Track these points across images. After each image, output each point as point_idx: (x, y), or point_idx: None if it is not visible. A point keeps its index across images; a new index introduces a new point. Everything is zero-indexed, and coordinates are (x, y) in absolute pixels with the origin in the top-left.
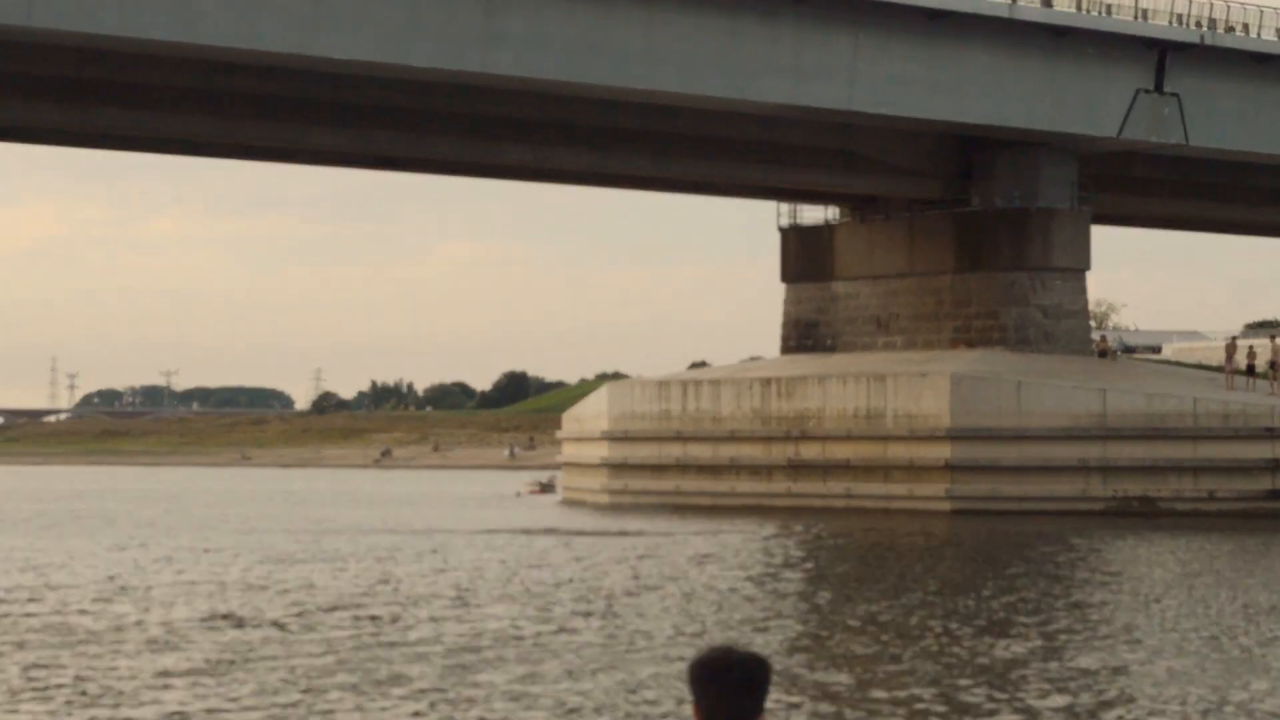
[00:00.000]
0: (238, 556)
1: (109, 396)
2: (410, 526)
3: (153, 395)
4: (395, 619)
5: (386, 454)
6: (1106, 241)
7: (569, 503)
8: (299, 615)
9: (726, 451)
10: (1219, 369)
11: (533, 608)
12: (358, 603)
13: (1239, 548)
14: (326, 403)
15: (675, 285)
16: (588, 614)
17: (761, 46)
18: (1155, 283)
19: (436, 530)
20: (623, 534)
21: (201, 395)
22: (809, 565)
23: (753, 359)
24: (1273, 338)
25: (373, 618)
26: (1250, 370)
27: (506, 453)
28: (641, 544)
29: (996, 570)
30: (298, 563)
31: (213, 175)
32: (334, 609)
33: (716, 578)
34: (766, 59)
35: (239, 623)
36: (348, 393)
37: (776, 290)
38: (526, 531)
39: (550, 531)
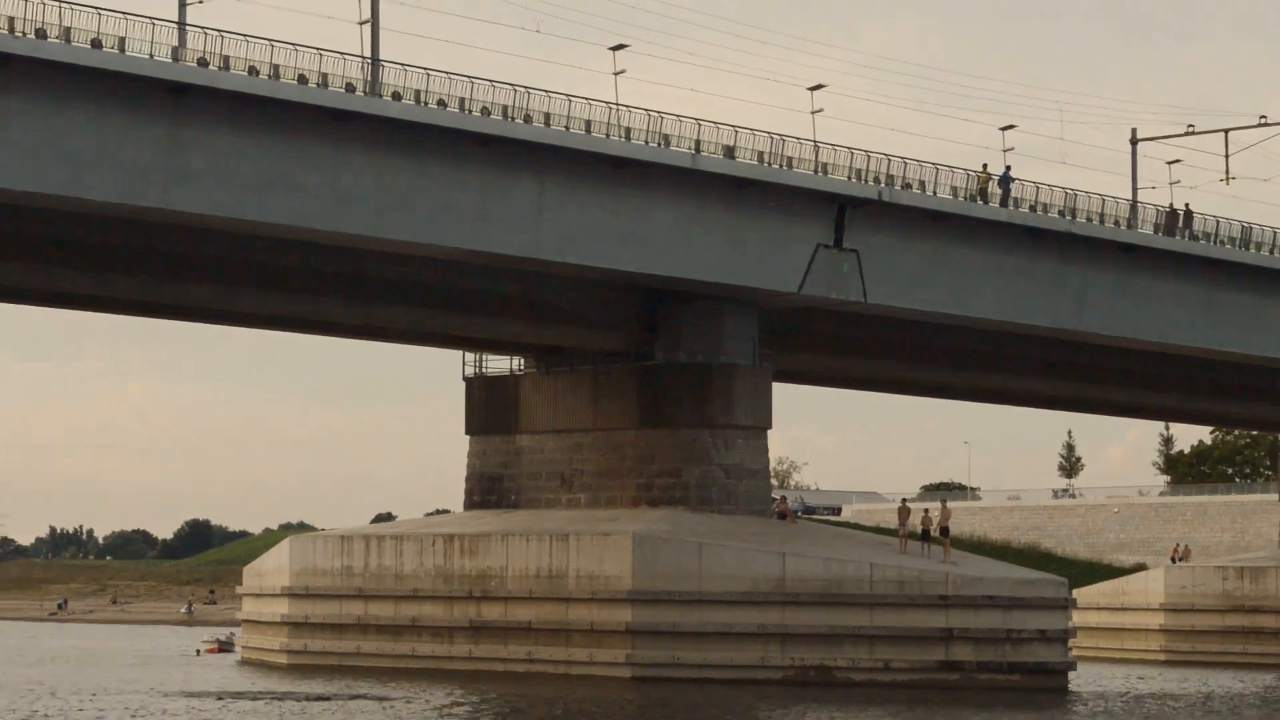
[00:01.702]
0: None
1: None
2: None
3: None
4: None
5: (63, 606)
6: (789, 397)
7: (247, 663)
8: None
9: (408, 611)
10: (895, 532)
11: None
12: None
13: None
14: (4, 549)
15: (362, 434)
16: None
17: (447, 189)
18: (837, 440)
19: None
20: (288, 698)
21: None
22: None
23: (439, 512)
24: (943, 501)
25: None
26: (925, 535)
27: (184, 609)
28: (304, 710)
29: None
30: None
31: None
32: None
33: None
34: (451, 202)
35: None
36: (26, 538)
37: (463, 441)
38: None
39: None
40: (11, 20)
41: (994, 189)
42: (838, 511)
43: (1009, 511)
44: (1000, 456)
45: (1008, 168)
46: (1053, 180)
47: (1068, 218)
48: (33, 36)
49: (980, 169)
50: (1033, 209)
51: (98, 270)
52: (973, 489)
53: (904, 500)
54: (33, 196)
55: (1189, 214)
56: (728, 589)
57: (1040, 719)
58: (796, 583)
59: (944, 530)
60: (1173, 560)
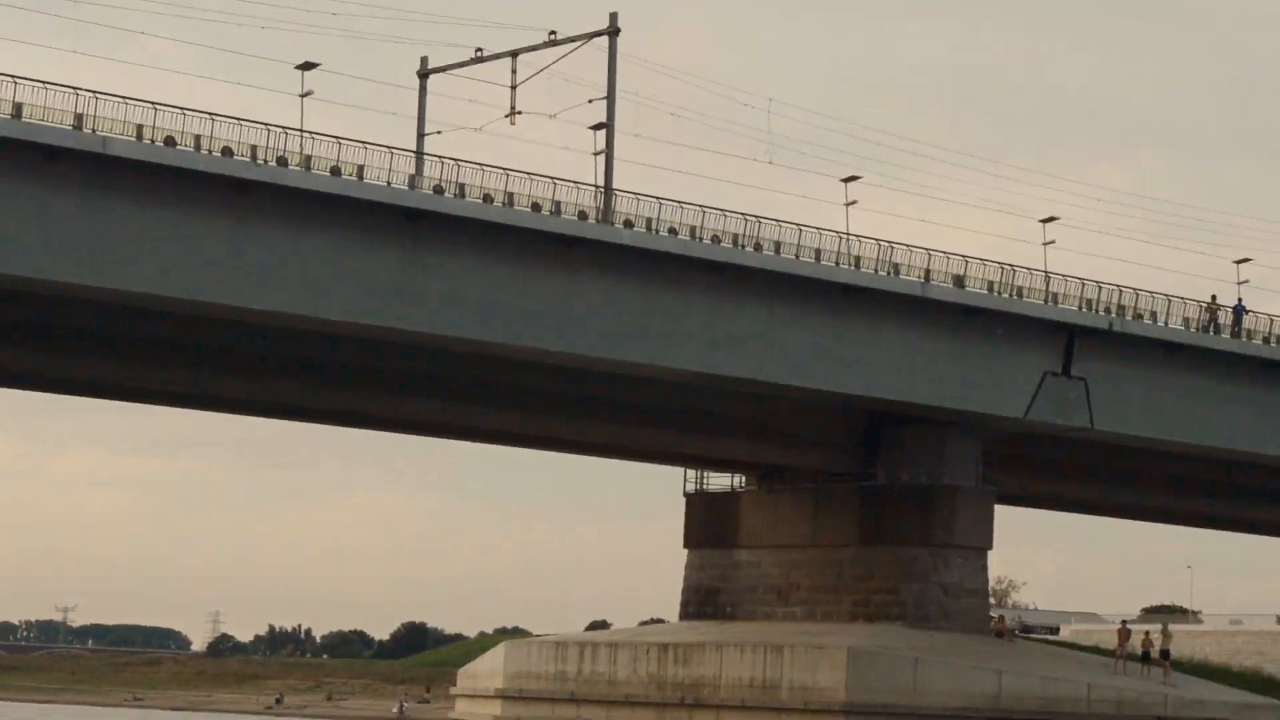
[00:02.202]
0: None
1: (3, 630)
2: None
3: (48, 631)
4: None
5: (279, 701)
6: (1009, 517)
7: None
8: None
9: (620, 715)
10: (1113, 653)
11: None
12: None
13: None
14: (223, 645)
15: (578, 544)
16: None
17: (676, 313)
18: (1056, 561)
19: None
20: None
21: (98, 633)
22: None
23: (653, 621)
24: (1165, 624)
25: None
26: (1145, 656)
27: (395, 709)
28: None
29: None
30: None
31: (124, 417)
32: None
33: None
34: (680, 326)
35: None
36: (245, 636)
37: (679, 554)
38: None
39: None
40: (254, 149)
41: (1225, 320)
42: (1056, 631)
43: (1231, 636)
44: (1224, 580)
45: (1239, 300)
46: None
47: None
48: (274, 164)
49: (1209, 300)
50: (1266, 341)
51: (331, 386)
52: (1194, 612)
53: (1123, 622)
54: (271, 315)
55: None
56: (943, 704)
57: None
58: (1012, 700)
59: (1164, 653)
60: None
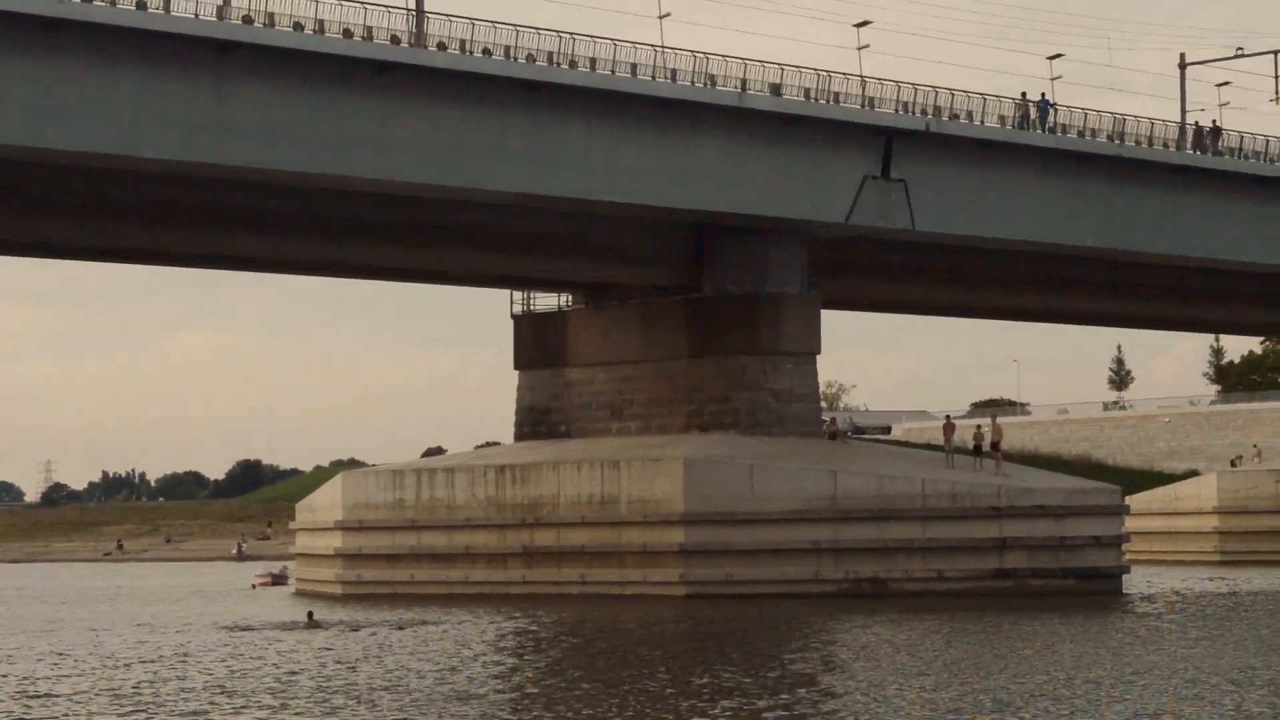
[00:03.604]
0: None
1: None
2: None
3: None
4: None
5: (119, 547)
6: (838, 322)
7: (302, 594)
8: None
9: (461, 540)
10: (943, 449)
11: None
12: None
13: (956, 629)
14: (57, 494)
15: (409, 372)
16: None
17: (494, 135)
18: (886, 364)
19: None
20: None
21: None
22: (534, 653)
23: (488, 445)
24: (994, 417)
25: None
26: (977, 450)
27: (234, 549)
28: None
29: (720, 654)
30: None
31: None
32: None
33: (442, 669)
34: (499, 147)
35: None
36: (79, 484)
37: (510, 376)
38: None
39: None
40: None
41: (1035, 116)
42: (887, 431)
43: (1059, 425)
44: (1050, 373)
45: (1042, 95)
46: (1102, 106)
47: (1116, 142)
48: (79, 1)
49: (1020, 97)
50: (1080, 134)
51: (150, 225)
52: (1022, 405)
53: (947, 417)
54: (84, 156)
55: (1216, 130)
56: (780, 508)
57: (1092, 619)
58: (849, 500)
59: (995, 445)
60: (1231, 464)
